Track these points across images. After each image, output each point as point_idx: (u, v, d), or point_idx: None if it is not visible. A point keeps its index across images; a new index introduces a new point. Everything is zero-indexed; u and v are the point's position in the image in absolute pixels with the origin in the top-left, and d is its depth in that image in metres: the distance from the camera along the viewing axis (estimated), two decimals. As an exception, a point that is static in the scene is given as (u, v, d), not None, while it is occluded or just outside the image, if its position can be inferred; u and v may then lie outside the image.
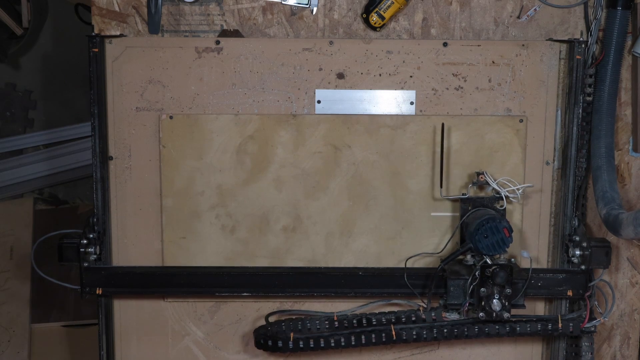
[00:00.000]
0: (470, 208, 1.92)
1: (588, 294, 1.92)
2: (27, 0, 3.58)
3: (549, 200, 1.99)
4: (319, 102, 1.96)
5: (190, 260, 2.01)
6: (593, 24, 1.91)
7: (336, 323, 1.92)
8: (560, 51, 1.93)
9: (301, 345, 1.87)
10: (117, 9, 1.94)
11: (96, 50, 1.91)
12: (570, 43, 1.91)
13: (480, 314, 1.86)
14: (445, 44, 1.94)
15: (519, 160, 1.97)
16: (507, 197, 1.91)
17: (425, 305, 1.92)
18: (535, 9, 1.94)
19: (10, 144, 3.75)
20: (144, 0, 1.92)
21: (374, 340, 1.89)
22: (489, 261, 1.84)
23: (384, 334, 1.88)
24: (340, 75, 1.96)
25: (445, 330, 1.89)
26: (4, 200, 3.57)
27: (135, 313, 2.05)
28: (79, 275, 1.95)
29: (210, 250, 2.01)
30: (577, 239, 1.92)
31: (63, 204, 3.73)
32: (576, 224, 1.94)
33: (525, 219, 1.99)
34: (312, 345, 1.87)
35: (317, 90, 1.96)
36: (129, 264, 2.02)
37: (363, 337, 1.89)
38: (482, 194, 1.95)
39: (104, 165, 1.96)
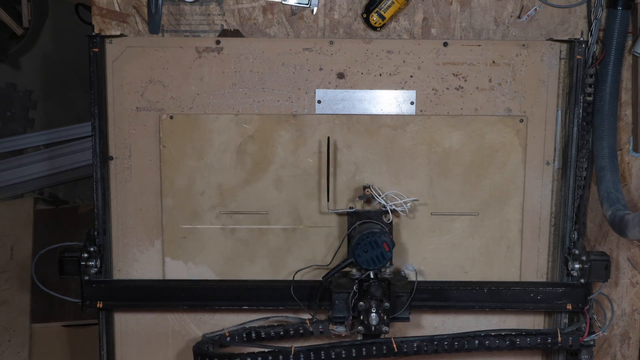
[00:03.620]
0: (356, 221, 1.93)
1: (587, 307, 1.92)
2: (27, 0, 3.58)
3: (549, 200, 1.99)
4: (319, 102, 1.96)
5: (191, 259, 2.02)
6: (593, 24, 1.91)
7: (228, 339, 1.93)
8: (560, 51, 1.93)
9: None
10: (117, 8, 1.94)
11: (96, 50, 1.91)
12: (571, 43, 1.91)
13: (359, 327, 1.86)
14: (445, 44, 1.94)
15: (519, 160, 1.97)
16: (394, 210, 1.92)
17: (311, 318, 1.93)
18: (535, 9, 1.94)
19: (11, 144, 3.75)
20: (144, 0, 1.92)
21: (374, 353, 1.88)
22: (371, 275, 1.85)
23: (385, 347, 1.87)
24: (341, 75, 1.96)
25: (445, 344, 1.88)
26: (4, 200, 3.57)
27: (135, 312, 2.05)
28: (80, 288, 1.95)
29: (210, 250, 2.01)
30: (577, 252, 1.92)
31: (63, 204, 3.73)
32: (575, 237, 1.94)
33: (525, 218, 1.99)
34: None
35: (317, 90, 1.96)
36: (130, 264, 2.02)
37: (364, 350, 1.87)
38: (369, 208, 1.96)
39: (104, 165, 1.96)
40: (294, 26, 1.96)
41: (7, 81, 3.80)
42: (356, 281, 1.86)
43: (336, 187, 1.99)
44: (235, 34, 1.96)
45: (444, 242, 2.01)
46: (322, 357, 1.86)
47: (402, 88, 1.96)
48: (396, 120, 1.97)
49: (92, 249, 1.95)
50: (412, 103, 1.96)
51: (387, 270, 1.88)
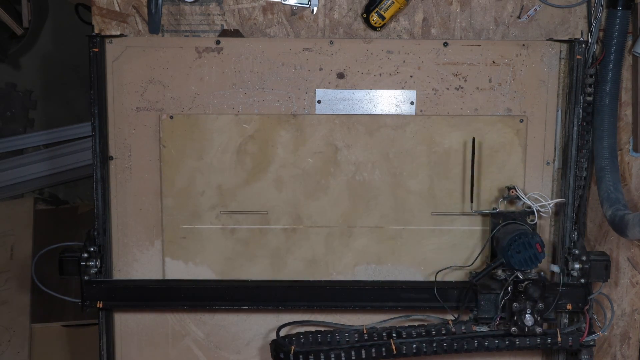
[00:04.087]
0: (500, 222, 1.93)
1: (587, 307, 1.92)
2: (27, 0, 3.58)
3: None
4: (319, 102, 1.96)
5: (191, 259, 2.02)
6: (593, 24, 1.91)
7: (366, 336, 1.92)
8: (560, 51, 1.93)
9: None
10: (117, 8, 1.94)
11: (96, 50, 1.91)
12: (571, 43, 1.91)
13: (513, 328, 1.87)
14: (445, 44, 1.94)
15: (519, 160, 1.97)
16: (538, 211, 1.92)
17: (454, 319, 1.93)
18: (535, 9, 1.94)
19: (11, 144, 3.76)
20: (144, 0, 1.92)
21: (374, 355, 1.88)
22: (520, 276, 1.85)
23: (384, 348, 1.87)
24: (341, 75, 1.96)
25: (445, 344, 1.89)
26: (4, 200, 3.57)
27: (135, 312, 2.05)
28: (80, 288, 1.95)
29: (210, 250, 2.01)
30: (577, 252, 1.92)
31: (63, 204, 3.73)
32: (575, 237, 1.94)
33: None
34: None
35: (317, 90, 1.96)
36: (130, 264, 2.02)
37: (363, 352, 1.88)
38: (512, 209, 1.95)
39: (104, 165, 1.96)
40: (294, 26, 1.96)
41: (7, 81, 3.80)
42: (510, 282, 1.85)
43: (336, 187, 1.99)
44: (235, 34, 1.96)
45: (444, 242, 2.01)
46: (322, 359, 1.86)
47: (402, 88, 1.96)
48: (396, 120, 1.97)
49: (92, 249, 1.95)
50: (412, 103, 1.96)
51: (532, 272, 1.87)
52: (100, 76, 1.93)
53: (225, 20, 1.95)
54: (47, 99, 3.82)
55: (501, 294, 1.86)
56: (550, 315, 1.90)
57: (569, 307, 1.93)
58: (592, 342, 1.92)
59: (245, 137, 1.97)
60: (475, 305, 1.91)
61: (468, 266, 1.98)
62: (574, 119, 1.91)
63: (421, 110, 1.97)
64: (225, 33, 1.96)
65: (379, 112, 1.97)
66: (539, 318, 1.86)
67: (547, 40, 1.94)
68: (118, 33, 1.95)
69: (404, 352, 1.88)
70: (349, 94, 1.96)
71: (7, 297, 3.12)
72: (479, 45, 1.94)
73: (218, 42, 1.94)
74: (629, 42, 1.94)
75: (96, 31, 1.94)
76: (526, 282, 1.84)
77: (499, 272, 1.88)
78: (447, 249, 2.01)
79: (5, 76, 3.79)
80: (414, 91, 1.96)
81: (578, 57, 1.88)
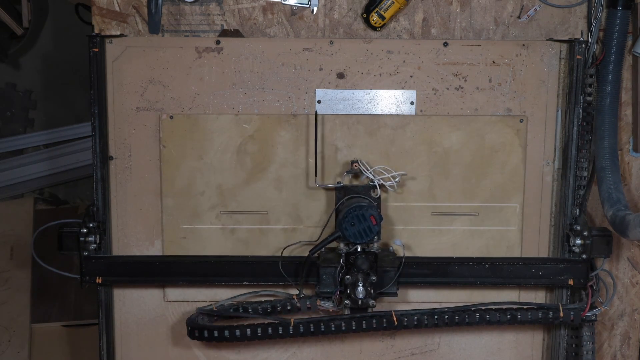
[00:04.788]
0: (344, 196, 1.92)
1: (590, 283, 1.92)
2: (27, 0, 3.58)
3: (549, 200, 1.99)
4: (319, 102, 1.96)
5: (191, 260, 2.02)
6: (593, 24, 1.91)
7: (215, 314, 1.95)
8: (560, 51, 1.94)
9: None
10: (117, 8, 1.94)
11: (96, 50, 1.91)
12: (571, 43, 1.91)
13: (346, 301, 1.86)
14: (445, 44, 1.94)
15: (519, 160, 1.97)
16: (382, 185, 1.92)
17: (297, 293, 1.93)
18: (535, 9, 1.94)
19: (11, 144, 3.76)
20: (144, 0, 1.92)
21: (374, 326, 1.88)
22: (359, 249, 1.85)
23: (385, 320, 1.87)
24: (341, 75, 1.96)
25: (446, 317, 1.88)
26: (4, 200, 3.58)
27: (135, 313, 2.05)
28: (79, 264, 1.95)
29: (210, 251, 2.01)
30: (578, 228, 1.92)
31: (63, 204, 3.73)
32: (577, 213, 1.94)
33: (525, 219, 1.99)
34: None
35: (317, 90, 1.96)
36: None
37: (364, 322, 1.88)
38: (356, 183, 1.95)
39: (104, 165, 1.96)
40: (294, 26, 1.96)
41: (7, 81, 3.80)
42: (342, 255, 1.86)
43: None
44: (235, 34, 1.96)
45: (444, 242, 2.01)
46: (322, 329, 1.87)
47: (402, 88, 1.96)
48: (396, 120, 1.97)
49: (91, 225, 1.94)
50: (412, 103, 1.96)
51: (375, 245, 1.88)
52: (100, 76, 1.93)
53: (225, 20, 1.95)
54: (47, 99, 3.82)
55: (338, 268, 1.86)
56: (392, 290, 1.88)
57: (571, 282, 1.93)
58: (593, 317, 1.92)
59: (245, 137, 1.97)
60: (317, 280, 1.90)
61: (315, 241, 1.97)
62: (574, 119, 1.91)
63: (421, 110, 1.97)
64: (225, 33, 1.96)
65: (379, 112, 1.97)
66: (372, 291, 1.85)
67: (547, 40, 1.94)
68: (118, 33, 1.95)
69: (405, 324, 1.88)
70: (349, 94, 1.96)
71: (7, 297, 3.12)
72: (479, 45, 1.94)
73: (218, 42, 1.94)
74: (629, 42, 1.94)
75: (96, 31, 1.94)
76: (356, 254, 1.84)
77: (341, 246, 1.88)
78: (447, 249, 2.01)
79: (5, 76, 3.79)
80: (414, 91, 1.96)
81: (578, 57, 1.89)
